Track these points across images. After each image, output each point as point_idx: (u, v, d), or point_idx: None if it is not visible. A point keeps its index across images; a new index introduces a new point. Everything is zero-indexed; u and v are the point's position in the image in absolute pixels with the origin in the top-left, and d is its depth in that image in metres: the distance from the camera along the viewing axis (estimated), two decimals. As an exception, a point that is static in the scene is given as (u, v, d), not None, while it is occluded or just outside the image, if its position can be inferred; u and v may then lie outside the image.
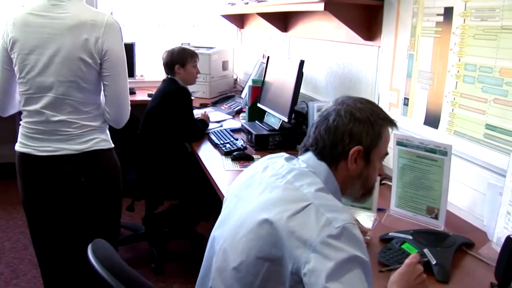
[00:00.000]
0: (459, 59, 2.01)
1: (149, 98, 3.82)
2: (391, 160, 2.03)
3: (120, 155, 3.05)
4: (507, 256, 1.44)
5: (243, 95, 4.34)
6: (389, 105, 2.51)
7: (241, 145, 2.99)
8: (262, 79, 3.43)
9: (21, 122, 2.18)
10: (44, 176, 2.14)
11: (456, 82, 2.04)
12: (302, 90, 3.35)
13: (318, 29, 3.31)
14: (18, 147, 2.18)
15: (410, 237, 1.76)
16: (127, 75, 2.20)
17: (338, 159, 1.39)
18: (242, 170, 1.60)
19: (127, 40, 4.83)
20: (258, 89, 3.42)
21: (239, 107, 4.13)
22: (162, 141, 3.31)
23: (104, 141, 2.21)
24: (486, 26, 1.86)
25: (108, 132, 2.28)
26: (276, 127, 3.06)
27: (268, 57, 3.44)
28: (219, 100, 4.53)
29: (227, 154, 2.90)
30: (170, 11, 5.37)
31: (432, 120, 2.19)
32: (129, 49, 4.85)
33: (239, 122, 3.67)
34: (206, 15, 5.37)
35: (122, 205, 2.43)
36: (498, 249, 1.53)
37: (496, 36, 1.82)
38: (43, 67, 2.05)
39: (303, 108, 3.10)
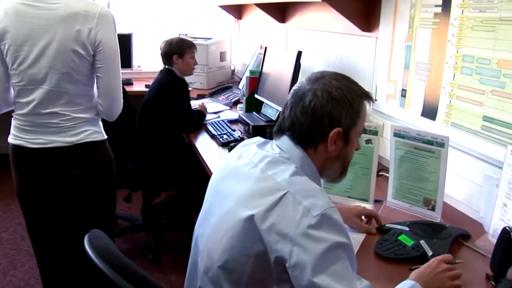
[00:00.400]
0: (457, 50, 2.00)
1: (147, 89, 3.81)
2: (388, 152, 2.03)
3: (118, 146, 3.05)
4: (502, 248, 1.44)
5: (240, 86, 4.33)
6: (386, 97, 2.50)
7: (238, 136, 2.99)
8: (260, 70, 3.42)
9: (13, 114, 2.17)
10: (37, 168, 2.14)
11: (454, 74, 2.03)
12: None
13: (316, 20, 3.30)
14: (10, 139, 2.17)
15: (407, 229, 1.76)
16: (120, 67, 2.18)
17: (317, 142, 1.35)
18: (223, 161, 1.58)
19: (125, 31, 4.84)
20: (256, 80, 3.42)
21: (237, 98, 4.12)
22: (159, 132, 3.31)
23: (96, 133, 2.20)
24: (485, 18, 1.86)
25: (100, 123, 2.27)
26: (274, 118, 3.05)
27: (266, 47, 3.43)
28: (217, 91, 4.53)
29: (224, 145, 2.90)
30: (167, 1, 5.35)
31: (430, 112, 2.19)
32: (127, 40, 4.85)
33: (236, 113, 3.66)
34: (203, 5, 5.35)
35: (116, 196, 2.43)
36: (494, 240, 1.53)
37: (494, 28, 1.81)
38: (35, 59, 2.03)
39: (300, 99, 3.09)
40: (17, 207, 2.30)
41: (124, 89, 3.17)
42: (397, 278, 1.43)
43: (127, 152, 3.40)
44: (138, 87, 4.76)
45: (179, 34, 4.64)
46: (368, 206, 1.99)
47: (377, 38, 2.59)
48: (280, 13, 3.85)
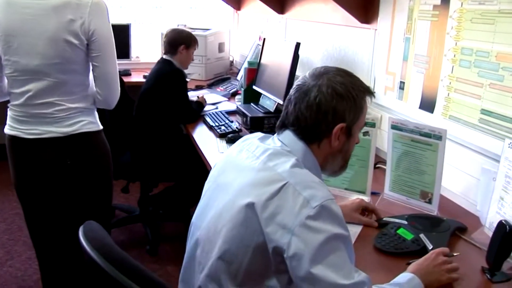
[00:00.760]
0: (456, 43, 2.00)
1: (145, 80, 3.80)
2: (386, 144, 2.02)
3: (115, 137, 3.05)
4: (498, 241, 1.44)
5: (239, 77, 4.32)
6: (385, 89, 2.50)
7: (236, 127, 2.99)
8: (258, 61, 3.41)
9: (8, 105, 2.16)
10: (33, 158, 2.14)
11: (452, 66, 2.02)
12: (298, 72, 3.33)
13: (314, 11, 3.29)
14: (7, 130, 2.17)
15: (405, 222, 1.76)
16: (116, 55, 2.17)
17: (321, 138, 1.36)
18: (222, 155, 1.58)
19: (123, 21, 4.81)
20: (254, 71, 3.41)
21: (235, 89, 4.11)
22: (157, 123, 3.31)
23: (91, 123, 2.19)
24: (484, 10, 1.85)
25: (96, 114, 2.26)
26: (271, 109, 3.05)
27: (264, 39, 3.42)
28: (215, 82, 4.52)
29: (221, 136, 2.90)
30: (166, -8, 5.32)
31: (428, 104, 2.19)
32: (125, 30, 4.84)
33: (234, 104, 3.66)
34: (202, -4, 5.34)
35: (113, 187, 2.42)
36: (491, 234, 1.53)
37: (493, 20, 1.80)
38: (27, 49, 2.02)
39: (298, 90, 3.08)
40: (14, 197, 2.30)
41: (122, 80, 3.16)
42: (397, 272, 1.44)
43: (125, 143, 3.40)
44: (136, 77, 4.74)
45: (178, 25, 4.62)
46: (365, 198, 1.98)
47: (376, 30, 2.58)
48: (279, 4, 3.83)
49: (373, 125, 1.97)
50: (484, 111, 1.88)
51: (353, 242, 1.60)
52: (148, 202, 3.66)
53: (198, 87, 4.37)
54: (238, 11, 5.13)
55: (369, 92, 1.40)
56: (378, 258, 1.60)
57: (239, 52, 5.09)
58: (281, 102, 2.93)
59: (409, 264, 1.51)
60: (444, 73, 2.08)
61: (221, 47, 4.92)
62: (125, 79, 4.20)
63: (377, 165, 2.28)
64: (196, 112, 3.39)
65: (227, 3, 5.02)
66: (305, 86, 1.36)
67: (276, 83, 3.05)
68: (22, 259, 3.31)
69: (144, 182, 3.63)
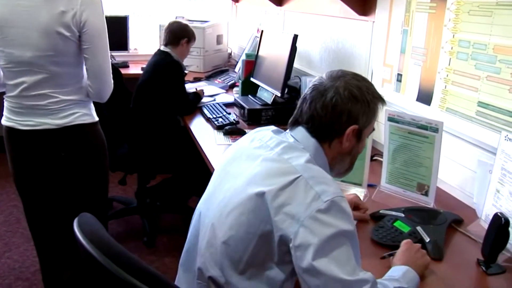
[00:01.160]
0: (453, 35, 1.99)
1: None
2: (383, 136, 2.02)
3: (113, 129, 3.05)
4: (493, 233, 1.45)
5: (236, 69, 4.31)
6: (382, 81, 2.49)
7: (234, 119, 2.98)
8: (256, 53, 3.40)
9: (4, 96, 2.16)
10: (28, 150, 2.14)
11: (450, 59, 2.02)
12: (296, 65, 3.32)
13: (312, 3, 3.27)
14: (3, 121, 2.17)
15: (402, 215, 1.76)
16: (108, 48, 2.16)
17: (332, 137, 1.38)
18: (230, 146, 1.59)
19: (121, 13, 4.79)
20: (252, 63, 3.40)
21: (233, 81, 4.10)
22: (154, 114, 3.30)
23: (86, 115, 2.19)
24: (481, 2, 1.84)
25: (91, 106, 2.25)
26: (269, 101, 3.04)
27: (262, 31, 3.41)
28: (213, 74, 4.51)
29: (219, 128, 2.90)
30: (164, -17, 5.30)
31: (425, 97, 2.18)
32: (123, 22, 4.83)
33: (232, 96, 3.65)
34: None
35: (109, 179, 2.42)
36: (486, 226, 1.53)
37: (491, 13, 1.80)
38: (21, 41, 2.01)
39: (296, 83, 3.08)
40: (13, 189, 2.30)
41: (119, 72, 3.17)
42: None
43: (122, 135, 3.39)
44: (134, 69, 4.72)
45: (176, 17, 4.60)
46: (362, 190, 1.99)
47: (373, 22, 2.57)
48: (277, -4, 3.82)
49: (370, 117, 1.96)
50: (481, 104, 1.87)
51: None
52: (146, 194, 3.66)
53: (196, 79, 4.36)
54: (236, 3, 5.12)
55: (382, 100, 1.44)
56: (375, 251, 1.60)
57: (237, 44, 5.08)
58: (279, 94, 2.93)
59: (383, 258, 1.53)
60: (441, 65, 2.07)
61: (219, 39, 4.90)
62: (123, 71, 4.18)
63: (374, 158, 2.28)
64: (193, 104, 3.39)
65: (225, -5, 5.01)
66: (322, 86, 1.38)
67: (273, 75, 3.04)
68: (20, 250, 3.31)
69: (142, 174, 3.63)
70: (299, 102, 1.45)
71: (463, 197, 1.99)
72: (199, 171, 3.18)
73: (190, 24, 3.68)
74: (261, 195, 1.25)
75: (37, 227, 2.34)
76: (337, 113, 1.35)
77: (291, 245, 1.21)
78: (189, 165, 3.34)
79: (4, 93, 2.16)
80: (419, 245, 1.52)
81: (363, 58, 2.69)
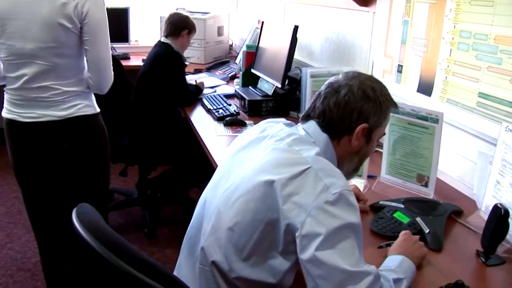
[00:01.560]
0: (454, 25, 1.98)
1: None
2: (383, 128, 2.02)
3: (113, 121, 3.05)
4: (493, 224, 1.45)
5: (237, 61, 4.31)
6: (383, 72, 2.49)
7: (234, 110, 2.98)
8: (257, 44, 3.39)
9: (4, 89, 2.15)
10: (30, 142, 2.14)
11: (451, 49, 2.01)
12: (297, 56, 3.32)
13: (313, -6, 3.26)
14: (4, 113, 2.17)
15: (402, 206, 1.76)
16: (109, 40, 2.16)
17: (342, 134, 1.39)
18: (234, 136, 1.60)
19: (122, 5, 4.78)
20: (252, 54, 3.39)
21: (234, 72, 4.10)
22: (155, 106, 3.30)
23: (88, 106, 2.19)
24: (483, -8, 1.83)
25: (93, 97, 2.25)
26: (270, 92, 3.04)
27: (263, 22, 3.39)
28: (214, 65, 4.51)
29: (219, 119, 2.89)
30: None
31: (426, 88, 2.18)
32: (124, 14, 4.82)
33: (233, 87, 3.64)
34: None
35: (110, 170, 2.42)
36: (486, 217, 1.53)
37: (492, 3, 1.79)
38: (22, 33, 2.00)
39: (297, 74, 3.07)
40: (14, 181, 2.30)
41: (120, 64, 3.17)
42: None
43: (123, 126, 3.39)
44: (135, 61, 4.72)
45: (177, 9, 4.60)
46: (362, 181, 1.99)
47: (374, 13, 2.56)
48: (278, -14, 3.81)
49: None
50: (481, 95, 1.87)
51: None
52: (147, 185, 3.67)
53: (197, 71, 4.35)
54: (238, -6, 5.11)
55: (394, 104, 1.46)
56: (374, 241, 1.60)
57: (238, 36, 5.07)
58: (279, 86, 2.92)
59: (381, 247, 1.54)
60: (442, 56, 2.06)
61: (220, 31, 4.89)
62: (124, 62, 4.18)
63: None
64: (193, 95, 3.39)
65: (226, -14, 4.99)
66: (337, 84, 1.41)
67: (274, 67, 3.03)
68: (21, 241, 3.33)
69: (143, 165, 3.64)
70: (313, 98, 1.47)
71: (463, 188, 1.98)
72: (200, 163, 3.18)
73: (191, 16, 3.68)
74: (270, 183, 1.26)
75: (38, 219, 2.35)
76: (348, 111, 1.37)
77: (297, 234, 1.21)
78: (189, 156, 3.34)
79: (4, 85, 2.16)
80: (417, 236, 1.52)
81: (364, 49, 2.69)
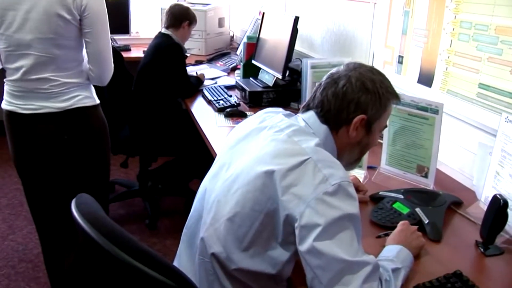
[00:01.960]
0: (455, 16, 1.97)
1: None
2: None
3: (114, 112, 3.05)
4: (492, 215, 1.45)
5: (238, 52, 4.30)
6: (383, 63, 2.48)
7: (235, 101, 2.98)
8: (257, 35, 3.38)
9: (4, 80, 2.15)
10: (29, 134, 2.14)
11: (451, 40, 2.00)
12: (298, 47, 3.31)
13: (314, -15, 3.25)
14: (3, 105, 2.17)
15: (401, 196, 1.76)
16: (109, 32, 2.16)
17: (340, 125, 1.39)
18: (234, 127, 1.59)
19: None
20: (253, 45, 3.39)
21: (234, 64, 4.09)
22: (155, 97, 3.30)
23: (87, 98, 2.19)
24: (483, -18, 1.82)
25: (93, 88, 2.25)
26: (270, 84, 3.03)
27: (263, 13, 3.38)
28: (215, 57, 4.50)
29: (220, 110, 2.90)
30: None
31: (426, 79, 2.17)
32: (124, 5, 4.80)
33: (233, 79, 3.64)
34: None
35: (110, 161, 2.42)
36: (485, 208, 1.53)
37: (493, -7, 1.78)
38: (21, 24, 2.00)
39: (297, 65, 3.06)
40: (15, 172, 2.31)
41: (121, 55, 3.16)
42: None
43: (124, 117, 3.40)
44: (136, 53, 4.71)
45: (178, 0, 4.58)
46: (362, 172, 1.99)
47: (375, 3, 2.55)
48: (279, -22, 3.79)
49: (370, 99, 1.96)
50: (482, 85, 1.86)
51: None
52: (148, 176, 3.67)
53: (198, 62, 4.35)
54: (238, -15, 5.08)
55: (396, 96, 1.45)
56: (373, 231, 1.60)
57: (239, 27, 5.05)
58: (280, 77, 2.92)
59: (379, 237, 1.55)
60: (442, 47, 2.06)
61: (221, 22, 4.87)
62: (125, 54, 4.18)
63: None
64: (194, 86, 3.38)
65: (227, -23, 4.97)
66: (337, 75, 1.41)
67: (275, 58, 3.03)
68: (23, 233, 3.34)
69: (143, 156, 3.64)
70: (314, 88, 1.47)
71: (463, 179, 1.98)
72: (201, 154, 3.19)
73: (192, 7, 3.67)
74: (270, 173, 1.26)
75: (38, 210, 2.35)
76: (346, 102, 1.37)
77: (296, 224, 1.22)
78: (190, 147, 3.34)
79: (4, 77, 2.16)
80: (415, 227, 1.53)
81: (365, 40, 2.68)
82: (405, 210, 1.68)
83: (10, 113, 2.14)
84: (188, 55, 3.56)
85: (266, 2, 4.23)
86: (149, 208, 3.55)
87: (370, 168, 2.04)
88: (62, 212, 2.29)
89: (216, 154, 2.21)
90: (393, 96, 1.43)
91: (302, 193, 1.22)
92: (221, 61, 4.32)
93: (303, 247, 1.21)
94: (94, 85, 2.27)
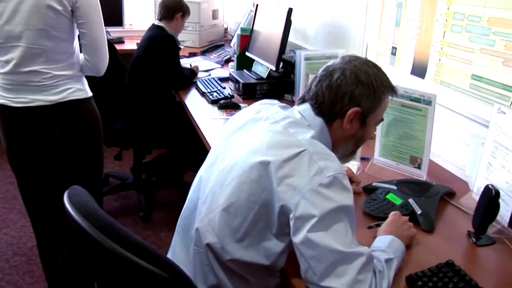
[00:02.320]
0: (448, 7, 1.97)
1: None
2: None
3: (108, 105, 3.04)
4: (484, 205, 1.46)
5: (232, 44, 4.29)
6: (377, 55, 2.48)
7: (228, 93, 2.98)
8: (251, 27, 3.38)
9: None
10: (22, 127, 2.13)
11: (444, 32, 2.01)
12: (292, 39, 3.30)
13: (308, -24, 3.24)
14: None
15: (395, 187, 1.77)
16: (103, 21, 2.14)
17: (334, 117, 1.39)
18: (228, 119, 1.60)
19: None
20: (247, 37, 3.38)
21: (228, 56, 4.09)
22: (149, 89, 3.29)
23: (79, 90, 2.18)
24: (476, -27, 1.82)
25: (85, 81, 2.24)
26: (264, 75, 3.03)
27: (257, 5, 3.37)
28: (209, 49, 4.49)
29: (214, 102, 2.89)
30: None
31: (419, 70, 2.17)
32: (118, -3, 4.77)
33: (227, 71, 3.63)
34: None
35: (103, 154, 2.41)
36: (478, 198, 1.54)
37: (485, -17, 1.78)
38: (11, 16, 1.98)
39: (291, 57, 3.06)
40: (8, 166, 2.30)
41: (114, 47, 3.15)
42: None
43: (118, 110, 3.39)
44: (130, 45, 4.68)
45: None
46: (355, 163, 1.99)
47: (369, -5, 2.55)
48: (273, -31, 3.78)
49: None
50: (474, 77, 1.87)
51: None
52: (142, 169, 3.67)
53: (192, 54, 4.34)
54: (232, -23, 5.06)
55: (392, 89, 1.44)
56: (366, 222, 1.60)
57: (233, 19, 5.03)
58: (274, 68, 2.92)
59: (370, 227, 1.56)
60: (436, 38, 2.06)
61: (214, 14, 4.86)
62: (118, 46, 4.16)
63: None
64: (188, 78, 3.38)
65: (220, -32, 4.94)
66: (332, 67, 1.41)
67: (268, 49, 3.02)
68: (17, 226, 3.33)
69: (137, 149, 3.64)
70: (310, 81, 1.47)
71: (456, 170, 1.99)
72: (194, 146, 3.19)
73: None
74: (265, 164, 1.27)
75: (32, 204, 2.35)
76: (340, 94, 1.37)
77: (291, 216, 1.22)
78: (184, 139, 3.34)
79: None
80: (406, 217, 1.54)
81: (358, 31, 2.67)
82: (398, 201, 1.69)
83: (1, 107, 2.13)
84: (181, 47, 3.55)
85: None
86: (144, 201, 3.55)
87: (364, 159, 2.05)
88: (56, 205, 2.29)
89: (210, 146, 2.21)
90: (389, 89, 1.43)
91: (297, 184, 1.22)
92: (215, 53, 4.31)
93: (297, 238, 1.21)
94: (89, 76, 2.26)
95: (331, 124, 1.40)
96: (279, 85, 3.00)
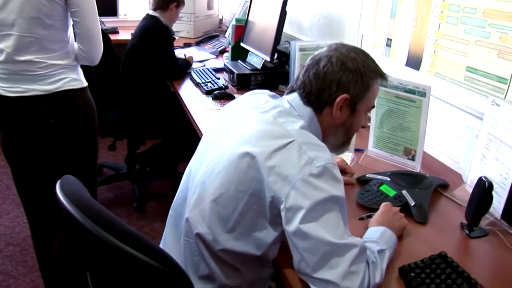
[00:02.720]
0: (443, -1, 1.97)
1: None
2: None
3: (102, 95, 3.02)
4: (478, 197, 1.46)
5: (227, 35, 4.28)
6: (372, 46, 2.48)
7: (223, 84, 2.97)
8: (246, 18, 3.36)
9: None
10: (16, 117, 2.11)
11: (439, 23, 2.00)
12: (287, 30, 3.29)
13: (303, -33, 3.23)
14: None
15: (388, 179, 1.77)
16: (96, 9, 2.12)
17: (323, 106, 1.38)
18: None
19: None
20: (242, 28, 3.37)
21: (223, 46, 4.07)
22: (143, 79, 3.27)
23: (74, 80, 2.16)
24: (472, -35, 1.82)
25: (80, 70, 2.23)
26: (259, 66, 3.02)
27: (252, -5, 3.36)
28: (203, 39, 4.47)
29: (208, 93, 2.88)
30: None
31: (414, 62, 2.17)
32: (113, -13, 4.74)
33: (222, 61, 3.62)
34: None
35: (98, 144, 2.40)
36: (471, 190, 1.54)
37: (481, -25, 1.78)
38: (3, 4, 1.96)
39: (286, 47, 3.05)
40: (2, 157, 2.28)
41: (108, 37, 3.13)
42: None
43: (112, 100, 3.37)
44: (124, 35, 4.66)
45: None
46: (349, 155, 1.99)
47: (364, -14, 2.54)
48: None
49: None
50: (469, 69, 1.87)
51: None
52: (135, 159, 3.66)
53: (186, 45, 4.32)
54: (227, -33, 5.03)
55: (381, 75, 1.42)
56: (361, 214, 1.60)
57: (228, 10, 5.01)
58: (268, 59, 2.91)
59: (362, 219, 1.56)
60: (431, 30, 2.06)
61: (209, 4, 4.83)
62: (113, 37, 4.13)
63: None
64: (182, 69, 3.36)
65: (216, -42, 4.91)
66: (318, 56, 1.40)
67: (263, 40, 3.01)
68: (10, 217, 3.32)
69: (131, 139, 3.63)
70: (298, 71, 1.46)
71: (449, 162, 2.00)
72: (188, 136, 3.18)
73: (180, -11, 3.62)
74: (252, 156, 1.26)
75: (27, 194, 2.34)
76: (327, 82, 1.36)
77: (282, 207, 1.22)
78: (178, 130, 3.33)
79: None
80: (398, 208, 1.54)
81: (354, 22, 2.67)
82: (391, 193, 1.69)
83: None
84: (176, 37, 3.53)
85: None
86: (137, 191, 3.55)
87: (358, 150, 2.05)
88: (50, 195, 2.27)
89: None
90: (377, 75, 1.41)
91: (287, 173, 1.21)
92: (209, 44, 4.30)
93: (289, 229, 1.21)
94: (84, 66, 2.24)
95: (321, 113, 1.39)
96: (274, 76, 2.99)
